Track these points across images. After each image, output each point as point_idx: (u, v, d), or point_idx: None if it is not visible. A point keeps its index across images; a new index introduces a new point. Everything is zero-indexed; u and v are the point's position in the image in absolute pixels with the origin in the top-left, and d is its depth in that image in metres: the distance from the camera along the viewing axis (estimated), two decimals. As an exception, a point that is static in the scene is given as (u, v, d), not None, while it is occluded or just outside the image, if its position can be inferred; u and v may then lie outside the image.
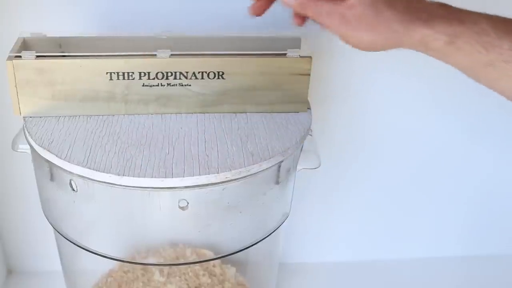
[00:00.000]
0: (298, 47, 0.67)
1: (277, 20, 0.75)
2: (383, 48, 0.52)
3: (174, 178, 0.54)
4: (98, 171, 0.55)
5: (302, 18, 0.56)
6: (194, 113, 0.65)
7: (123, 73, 0.61)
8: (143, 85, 0.62)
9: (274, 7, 0.75)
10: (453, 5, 0.51)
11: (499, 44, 0.49)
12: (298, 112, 0.66)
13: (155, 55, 0.61)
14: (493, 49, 0.49)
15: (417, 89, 0.83)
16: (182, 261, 0.77)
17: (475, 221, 0.99)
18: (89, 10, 0.73)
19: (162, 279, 0.81)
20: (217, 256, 0.69)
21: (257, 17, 0.58)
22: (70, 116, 0.63)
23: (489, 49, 0.49)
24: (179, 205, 0.57)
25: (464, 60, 0.50)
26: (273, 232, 0.66)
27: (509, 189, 0.96)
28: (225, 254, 0.65)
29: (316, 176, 0.75)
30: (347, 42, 0.53)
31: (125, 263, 0.82)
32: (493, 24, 0.50)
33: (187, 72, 0.62)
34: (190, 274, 0.82)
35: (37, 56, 0.60)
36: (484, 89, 0.52)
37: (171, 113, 0.64)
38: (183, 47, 0.64)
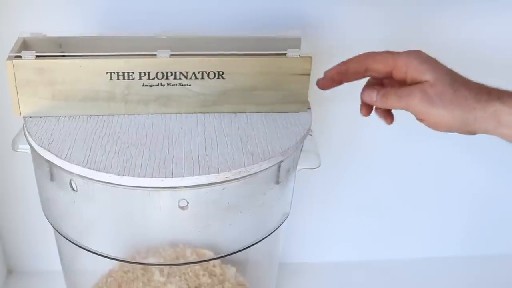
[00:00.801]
0: (298, 47, 0.67)
1: (277, 21, 0.76)
2: (459, 126, 0.57)
3: (174, 178, 0.54)
4: (98, 171, 0.55)
5: (369, 109, 0.63)
6: (194, 113, 0.65)
7: (123, 73, 0.61)
8: (143, 85, 0.62)
9: (273, 8, 0.75)
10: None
11: None
12: (298, 112, 0.66)
13: (155, 55, 0.61)
14: None
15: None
16: (182, 261, 0.77)
17: (476, 220, 0.99)
18: (89, 10, 0.73)
19: (162, 279, 0.81)
20: (217, 256, 0.69)
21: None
22: (70, 116, 0.63)
23: None
24: (179, 205, 0.57)
25: None
26: (273, 232, 0.66)
27: (510, 189, 0.96)
28: (225, 254, 0.65)
29: (316, 176, 0.75)
30: (426, 120, 0.57)
31: (125, 263, 0.82)
32: None
33: (187, 72, 0.62)
34: (190, 274, 0.82)
35: (37, 56, 0.60)
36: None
37: (171, 113, 0.64)
38: (183, 47, 0.64)
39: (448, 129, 0.57)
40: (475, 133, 0.57)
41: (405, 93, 0.57)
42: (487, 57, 0.81)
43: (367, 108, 0.64)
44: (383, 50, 0.60)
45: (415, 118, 0.59)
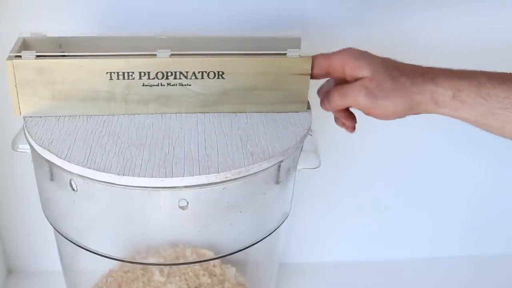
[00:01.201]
0: (298, 47, 0.67)
1: (277, 21, 0.76)
2: (404, 112, 0.59)
3: (174, 178, 0.54)
4: (98, 171, 0.55)
5: (351, 121, 0.64)
6: (194, 113, 0.65)
7: (123, 73, 0.61)
8: (143, 85, 0.62)
9: (273, 8, 0.75)
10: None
11: (495, 93, 0.55)
12: (298, 112, 0.66)
13: (155, 55, 0.61)
14: (491, 99, 0.55)
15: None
16: (182, 261, 0.77)
17: (475, 220, 0.99)
18: (89, 10, 0.73)
19: (162, 279, 0.81)
20: (217, 256, 0.69)
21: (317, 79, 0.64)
22: (70, 116, 0.63)
23: (488, 99, 0.55)
24: (179, 205, 0.57)
25: (471, 113, 0.57)
26: (273, 232, 0.66)
27: (510, 189, 0.96)
28: (225, 254, 0.65)
29: (316, 176, 0.75)
30: (372, 113, 0.59)
31: (125, 263, 0.82)
32: (487, 76, 0.56)
33: (187, 72, 0.62)
34: (190, 274, 0.82)
35: (37, 56, 0.60)
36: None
37: (171, 113, 0.64)
38: (183, 47, 0.64)
39: (394, 117, 0.59)
40: (420, 113, 0.59)
41: (349, 91, 0.59)
42: (487, 57, 0.81)
43: (340, 122, 0.65)
44: (317, 54, 0.62)
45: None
